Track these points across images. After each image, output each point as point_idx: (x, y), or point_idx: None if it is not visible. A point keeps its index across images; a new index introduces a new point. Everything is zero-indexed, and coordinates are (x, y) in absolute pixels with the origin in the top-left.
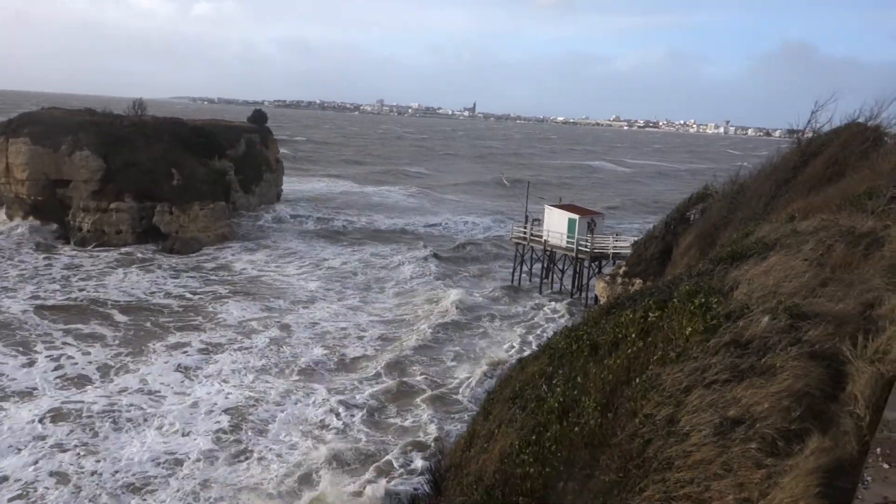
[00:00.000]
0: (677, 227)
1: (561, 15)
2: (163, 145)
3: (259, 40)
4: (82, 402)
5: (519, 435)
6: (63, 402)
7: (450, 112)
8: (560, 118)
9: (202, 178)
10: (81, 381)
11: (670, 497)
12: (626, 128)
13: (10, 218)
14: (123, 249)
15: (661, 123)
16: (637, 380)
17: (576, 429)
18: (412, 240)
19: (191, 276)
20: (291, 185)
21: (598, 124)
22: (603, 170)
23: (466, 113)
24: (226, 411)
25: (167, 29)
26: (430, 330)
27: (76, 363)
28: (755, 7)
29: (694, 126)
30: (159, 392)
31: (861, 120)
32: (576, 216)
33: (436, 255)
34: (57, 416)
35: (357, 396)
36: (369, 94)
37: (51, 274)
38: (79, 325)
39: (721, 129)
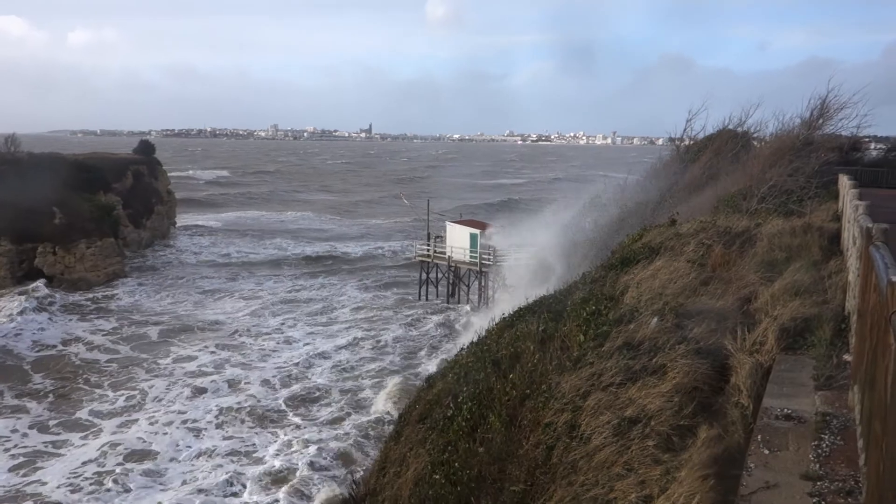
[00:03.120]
0: (574, 235)
1: (452, 34)
2: (41, 182)
3: (142, 67)
4: None
5: (430, 456)
6: None
7: (346, 134)
8: (456, 135)
9: (87, 214)
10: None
11: (578, 500)
12: (520, 142)
13: None
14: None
15: (552, 136)
16: (538, 391)
17: (482, 446)
18: (329, 266)
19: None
20: (191, 216)
21: (493, 140)
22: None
23: (363, 134)
24: None
25: (41, 58)
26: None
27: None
28: (634, 23)
29: (584, 138)
30: None
31: (731, 126)
32: (477, 230)
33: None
34: None
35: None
36: (263, 119)
37: None
38: None
39: (609, 140)
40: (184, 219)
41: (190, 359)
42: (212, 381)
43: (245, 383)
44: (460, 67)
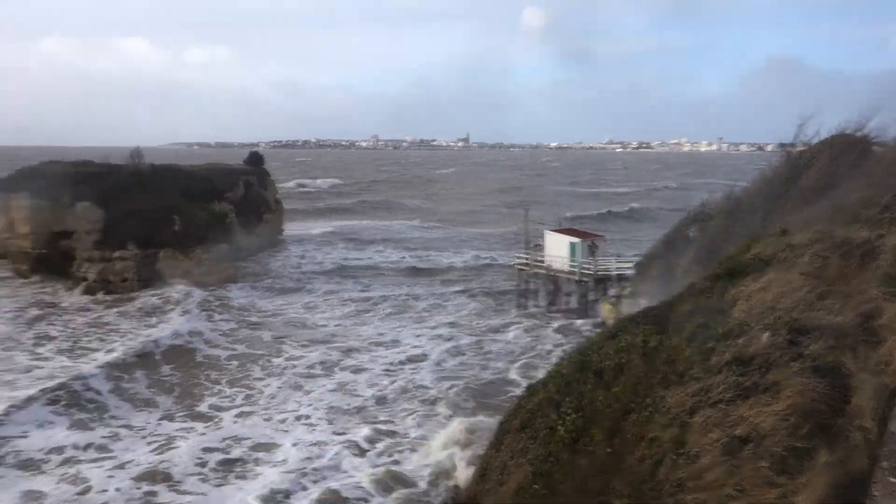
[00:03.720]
0: (678, 245)
1: (549, 39)
2: (162, 192)
3: (252, 83)
4: None
5: (532, 466)
6: None
7: (444, 143)
8: (554, 143)
9: (203, 222)
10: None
11: None
12: (619, 149)
13: (18, 273)
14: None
15: (654, 144)
16: (643, 404)
17: (584, 458)
18: (432, 273)
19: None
20: (301, 224)
21: (592, 147)
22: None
23: (461, 144)
24: None
25: (162, 76)
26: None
27: None
28: (738, 24)
29: (687, 144)
30: None
31: (849, 131)
32: (577, 240)
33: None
34: None
35: None
36: (364, 129)
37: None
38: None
39: (714, 146)
40: (294, 227)
41: (300, 358)
42: (321, 381)
43: (352, 383)
44: (558, 75)
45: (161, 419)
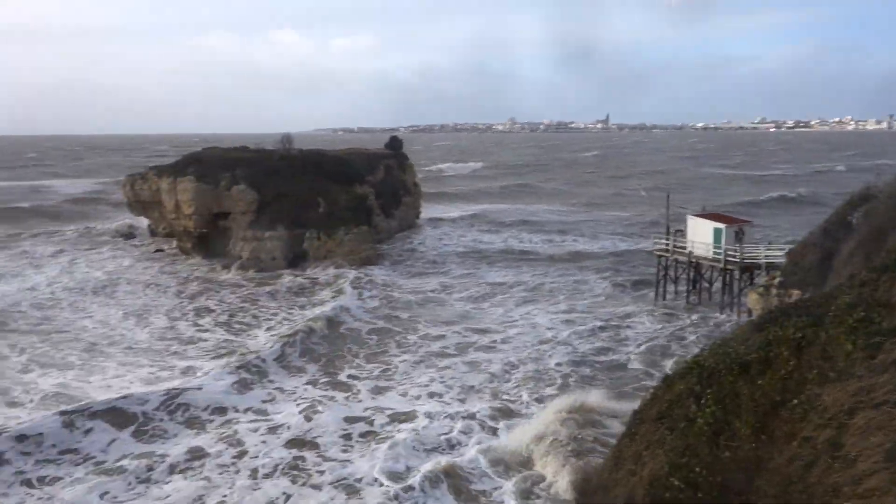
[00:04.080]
0: (837, 232)
1: (695, 15)
2: (308, 175)
3: (391, 68)
4: None
5: (668, 458)
6: None
7: (582, 125)
8: (699, 124)
9: (345, 204)
10: None
11: None
12: (773, 129)
13: (183, 250)
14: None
15: (813, 122)
16: (794, 401)
17: (726, 453)
18: (570, 258)
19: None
20: (441, 208)
21: (741, 128)
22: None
23: (600, 125)
24: None
25: (308, 65)
26: None
27: None
28: None
29: (851, 123)
30: None
31: None
32: (722, 225)
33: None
34: None
35: None
36: (500, 112)
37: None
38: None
39: (884, 124)
40: (432, 210)
41: (435, 337)
42: (454, 360)
43: (485, 363)
44: (704, 52)
45: (307, 384)
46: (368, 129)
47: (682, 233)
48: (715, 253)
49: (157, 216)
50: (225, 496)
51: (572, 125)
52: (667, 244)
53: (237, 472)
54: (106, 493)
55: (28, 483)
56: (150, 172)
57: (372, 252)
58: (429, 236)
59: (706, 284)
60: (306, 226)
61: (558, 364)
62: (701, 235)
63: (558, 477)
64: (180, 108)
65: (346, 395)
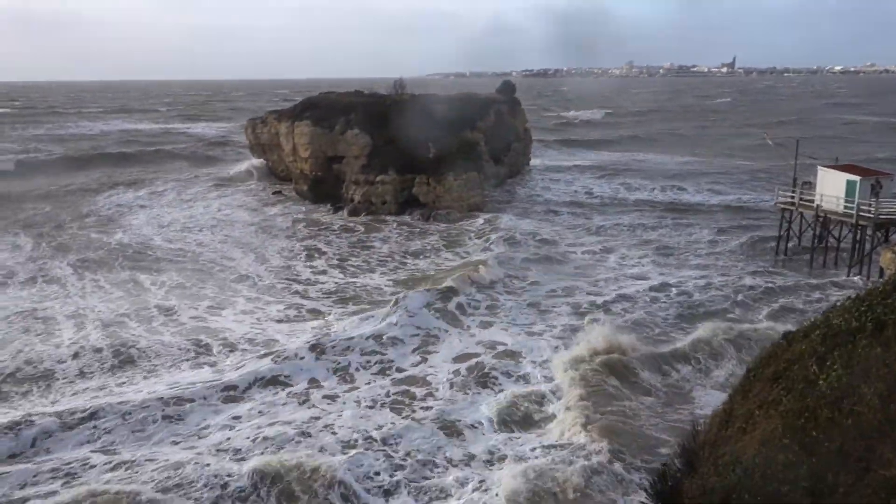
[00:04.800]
0: None
1: None
2: (419, 120)
3: (507, 10)
4: None
5: (783, 419)
6: None
7: (706, 69)
8: (837, 67)
9: (455, 150)
10: None
11: None
12: None
13: (299, 193)
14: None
15: None
16: None
17: (848, 419)
18: (684, 208)
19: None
20: (552, 155)
21: (887, 71)
22: None
23: (724, 69)
24: None
25: (422, 8)
26: None
27: None
28: None
29: None
30: None
31: None
32: (856, 177)
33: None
34: None
35: None
36: (617, 56)
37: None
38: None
39: None
40: (547, 157)
41: (542, 284)
42: (564, 302)
43: (591, 309)
44: None
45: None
46: (481, 73)
47: (810, 185)
48: (846, 207)
49: (275, 159)
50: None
51: (694, 69)
52: (792, 197)
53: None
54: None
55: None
56: (270, 116)
57: (480, 198)
58: (539, 184)
59: (833, 242)
60: (416, 171)
61: (669, 315)
62: (831, 188)
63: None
64: (299, 54)
65: (459, 330)
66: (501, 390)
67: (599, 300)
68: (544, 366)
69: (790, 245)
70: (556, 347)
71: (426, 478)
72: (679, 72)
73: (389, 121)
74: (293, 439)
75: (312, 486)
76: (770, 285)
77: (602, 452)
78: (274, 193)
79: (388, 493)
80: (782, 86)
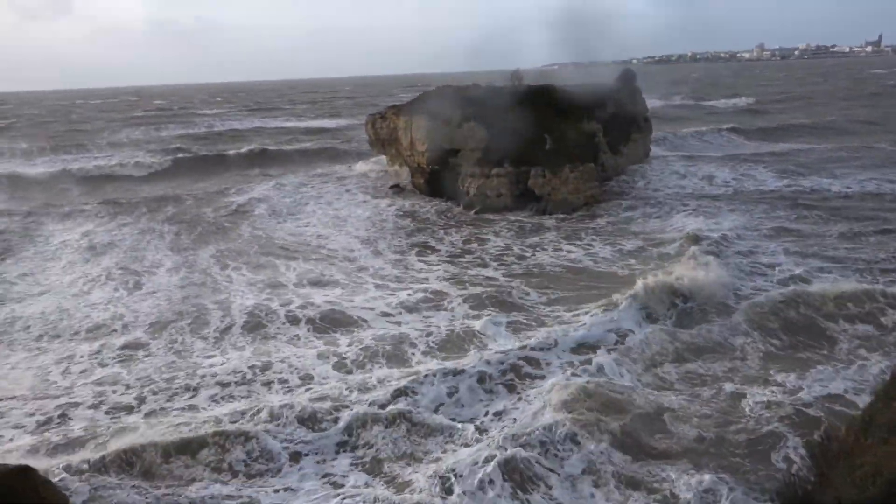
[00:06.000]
0: None
1: None
2: (536, 112)
3: None
4: None
5: None
6: None
7: (847, 49)
8: None
9: (572, 141)
10: None
11: None
12: None
13: (416, 186)
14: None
15: None
16: None
17: None
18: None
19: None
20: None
21: None
22: None
23: (869, 48)
24: None
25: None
26: None
27: None
28: None
29: None
30: None
31: None
32: None
33: None
34: None
35: None
36: (746, 38)
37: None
38: None
39: None
40: (674, 148)
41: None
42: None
43: None
44: None
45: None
46: (599, 61)
47: None
48: None
49: (393, 153)
50: None
51: (834, 49)
52: None
53: None
54: None
55: None
56: (389, 111)
57: (597, 190)
58: (659, 175)
59: None
60: (532, 163)
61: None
62: None
63: None
64: (418, 49)
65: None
66: None
67: None
68: None
69: None
70: None
71: None
72: (816, 53)
73: (506, 112)
74: None
75: None
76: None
77: None
78: (392, 187)
79: None
80: None
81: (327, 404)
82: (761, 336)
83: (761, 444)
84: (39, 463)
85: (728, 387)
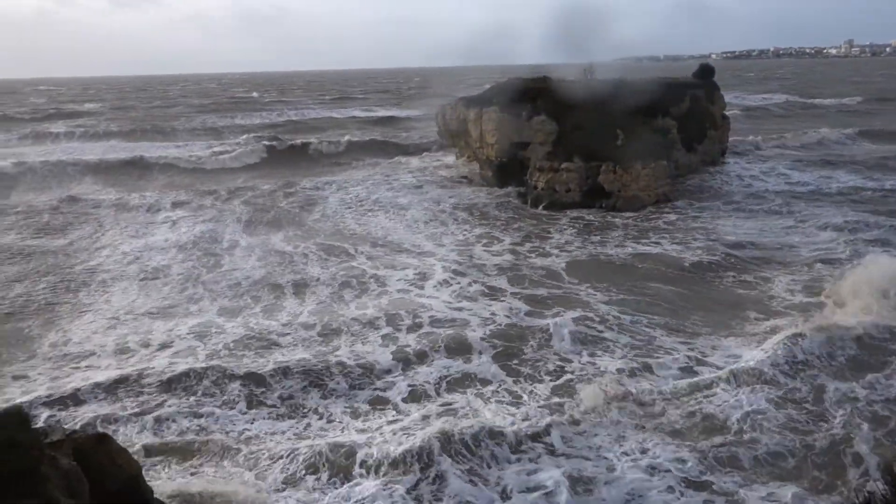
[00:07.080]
0: None
1: None
2: (608, 106)
3: None
4: None
5: None
6: None
7: None
8: None
9: (644, 137)
10: None
11: None
12: None
13: (484, 179)
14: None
15: None
16: None
17: None
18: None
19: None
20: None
21: None
22: None
23: None
24: None
25: None
26: None
27: None
28: None
29: None
30: None
31: None
32: None
33: None
34: None
35: None
36: (834, 33)
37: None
38: None
39: None
40: (755, 146)
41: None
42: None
43: None
44: None
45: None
46: (676, 56)
47: None
48: None
49: (462, 145)
50: None
51: None
52: None
53: None
54: None
55: None
56: (459, 103)
57: (668, 188)
58: (734, 173)
59: None
60: (602, 158)
61: None
62: None
63: None
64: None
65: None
66: None
67: None
68: None
69: None
70: None
71: None
72: None
73: (577, 107)
74: None
75: None
76: None
77: None
78: (461, 178)
79: None
80: None
81: None
82: None
83: None
84: None
85: None
